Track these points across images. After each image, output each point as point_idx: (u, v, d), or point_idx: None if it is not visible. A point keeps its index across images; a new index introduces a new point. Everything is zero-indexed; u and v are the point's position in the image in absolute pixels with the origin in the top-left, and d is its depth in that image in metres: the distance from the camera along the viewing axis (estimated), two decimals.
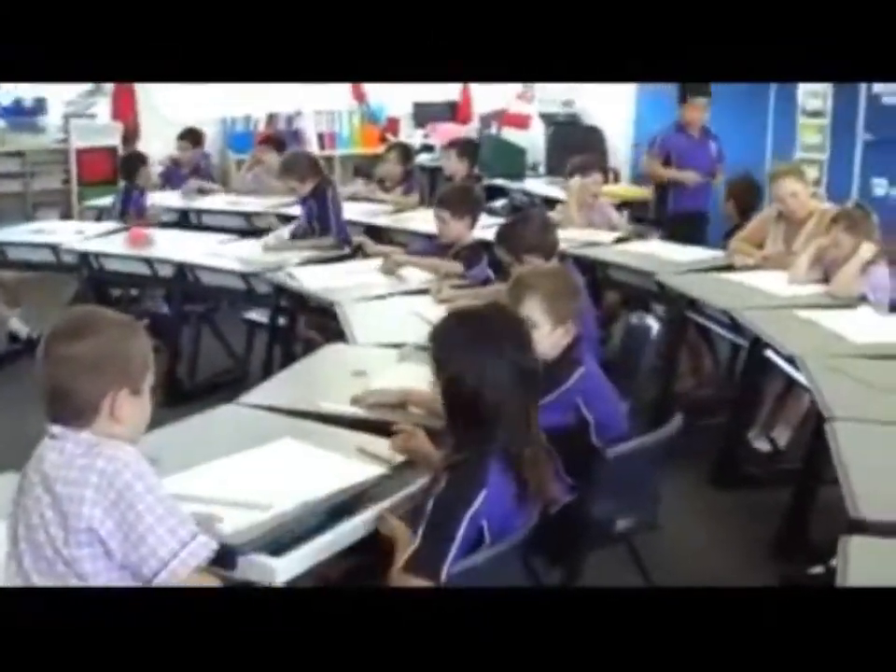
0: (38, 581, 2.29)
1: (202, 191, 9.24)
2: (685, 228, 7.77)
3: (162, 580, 2.27)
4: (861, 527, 2.87)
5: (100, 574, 2.27)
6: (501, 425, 2.91)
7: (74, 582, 2.26)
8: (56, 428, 2.36)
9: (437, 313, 3.31)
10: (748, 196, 7.20)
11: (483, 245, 5.84)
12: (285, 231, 7.19)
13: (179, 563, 2.28)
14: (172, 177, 9.65)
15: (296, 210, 7.43)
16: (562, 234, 6.21)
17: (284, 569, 2.65)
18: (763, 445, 5.73)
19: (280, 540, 2.71)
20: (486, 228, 6.08)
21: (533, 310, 3.67)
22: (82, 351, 2.34)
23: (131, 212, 8.42)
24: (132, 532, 2.25)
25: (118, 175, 9.38)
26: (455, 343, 3.02)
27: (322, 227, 6.94)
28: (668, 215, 8.29)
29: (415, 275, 5.88)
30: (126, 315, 2.59)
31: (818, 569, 4.25)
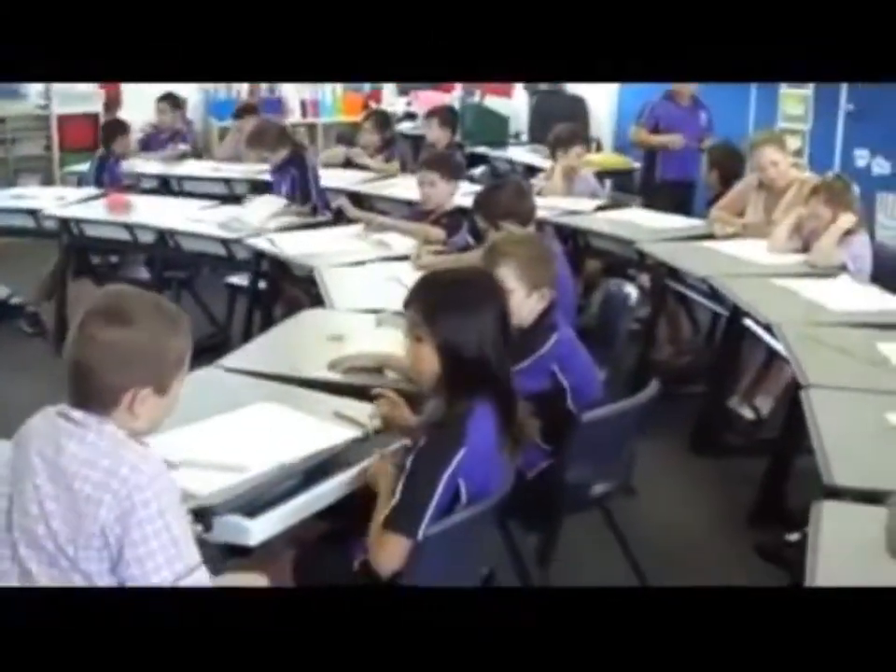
0: (38, 572, 2.20)
1: (182, 156, 9.22)
2: (673, 196, 7.79)
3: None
4: (835, 493, 2.89)
5: (104, 575, 2.19)
6: (485, 382, 2.93)
7: (78, 580, 2.19)
8: (77, 414, 2.27)
9: (415, 279, 3.30)
10: (729, 163, 7.19)
11: (462, 212, 5.84)
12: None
13: None
14: (151, 143, 9.58)
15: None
16: (542, 202, 6.25)
17: (259, 530, 2.66)
18: (746, 413, 5.74)
19: (255, 502, 2.73)
20: (466, 195, 6.06)
21: (507, 276, 3.67)
22: (116, 339, 2.26)
23: (105, 179, 8.41)
24: (132, 549, 2.17)
25: (99, 141, 9.32)
26: (436, 305, 3.01)
27: (303, 193, 6.94)
28: (656, 182, 8.30)
29: (396, 242, 5.88)
30: (174, 305, 2.47)
31: (794, 536, 4.27)
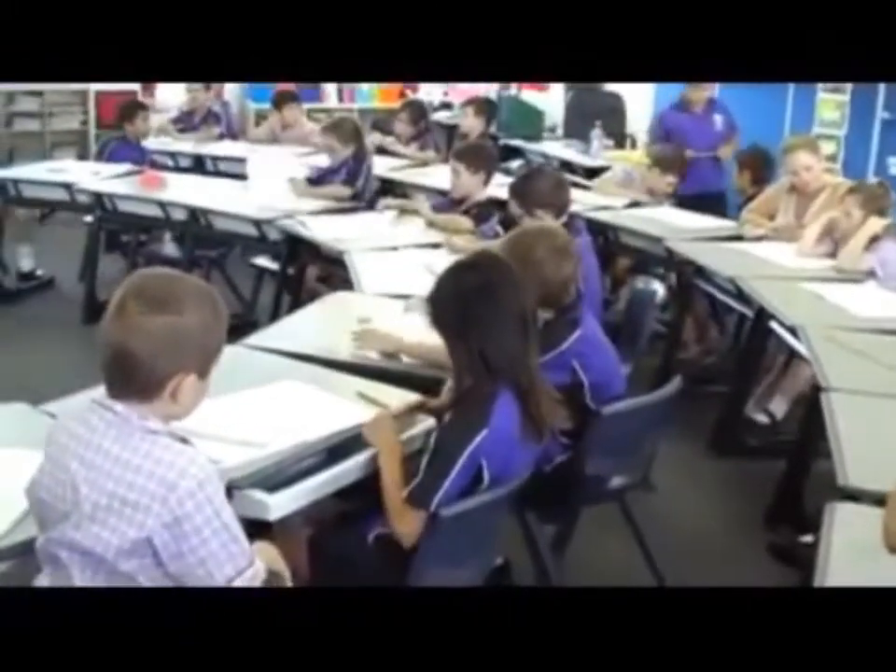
0: (80, 578, 2.17)
1: (216, 138, 9.27)
2: (698, 210, 7.52)
3: None
4: (849, 495, 2.90)
5: (148, 576, 2.17)
6: (505, 365, 2.98)
7: (120, 583, 2.16)
8: (121, 408, 2.20)
9: (444, 264, 3.34)
10: (759, 166, 7.18)
11: (495, 203, 5.86)
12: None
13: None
14: (185, 123, 9.61)
15: (308, 160, 7.62)
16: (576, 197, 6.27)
17: (278, 506, 2.71)
18: (761, 418, 5.72)
19: (276, 478, 2.77)
20: (499, 186, 6.08)
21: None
22: (164, 325, 2.17)
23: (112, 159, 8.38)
24: (192, 554, 2.14)
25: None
26: (450, 297, 3.08)
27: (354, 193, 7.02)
28: (679, 199, 8.24)
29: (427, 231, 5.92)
30: (208, 287, 2.36)
31: (808, 538, 4.28)
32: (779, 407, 5.69)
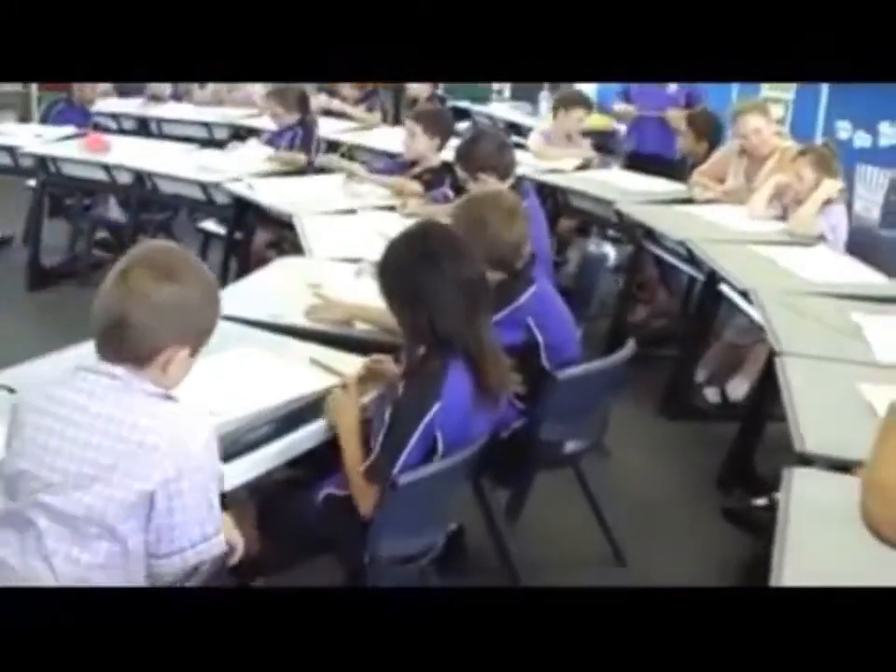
0: (55, 548, 2.17)
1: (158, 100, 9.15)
2: (643, 170, 7.41)
3: (171, 562, 2.23)
4: (806, 460, 2.91)
5: (138, 532, 2.19)
6: (455, 336, 2.95)
7: (103, 548, 2.17)
8: (119, 370, 2.22)
9: (396, 229, 3.30)
10: (705, 127, 7.16)
11: (447, 167, 5.82)
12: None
13: (194, 553, 2.24)
14: (128, 87, 9.47)
15: (253, 122, 7.56)
16: (524, 159, 6.25)
17: (233, 475, 2.66)
18: (711, 395, 5.68)
19: (230, 448, 2.71)
20: (449, 150, 6.04)
21: None
22: (168, 295, 2.21)
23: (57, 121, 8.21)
24: (178, 512, 2.18)
25: None
26: (395, 269, 3.06)
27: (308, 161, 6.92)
28: (626, 154, 8.24)
29: (375, 193, 5.86)
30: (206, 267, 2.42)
31: (761, 501, 4.31)
32: (740, 387, 5.61)
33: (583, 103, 7.64)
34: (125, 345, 2.21)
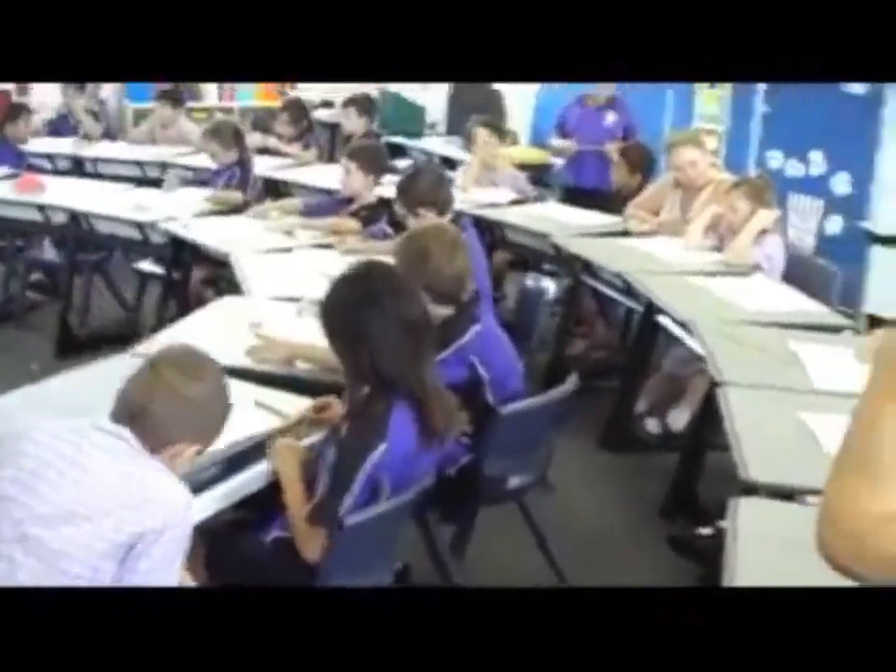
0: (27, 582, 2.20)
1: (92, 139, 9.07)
2: (581, 204, 7.37)
3: None
4: (752, 489, 2.93)
5: (111, 573, 2.25)
6: (398, 376, 2.94)
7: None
8: (127, 433, 2.32)
9: (335, 266, 3.30)
10: (637, 159, 7.23)
11: (385, 203, 5.82)
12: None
13: None
14: (61, 127, 9.39)
15: (188, 160, 7.57)
16: (462, 195, 6.27)
17: None
18: (651, 426, 5.68)
19: None
20: (388, 185, 6.05)
21: None
22: (195, 392, 2.37)
23: None
24: (149, 559, 2.24)
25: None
26: (336, 310, 3.06)
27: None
28: (563, 188, 8.27)
29: (309, 232, 5.86)
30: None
31: (706, 530, 4.33)
32: (680, 417, 5.61)
33: (497, 128, 7.73)
34: (144, 433, 2.32)
